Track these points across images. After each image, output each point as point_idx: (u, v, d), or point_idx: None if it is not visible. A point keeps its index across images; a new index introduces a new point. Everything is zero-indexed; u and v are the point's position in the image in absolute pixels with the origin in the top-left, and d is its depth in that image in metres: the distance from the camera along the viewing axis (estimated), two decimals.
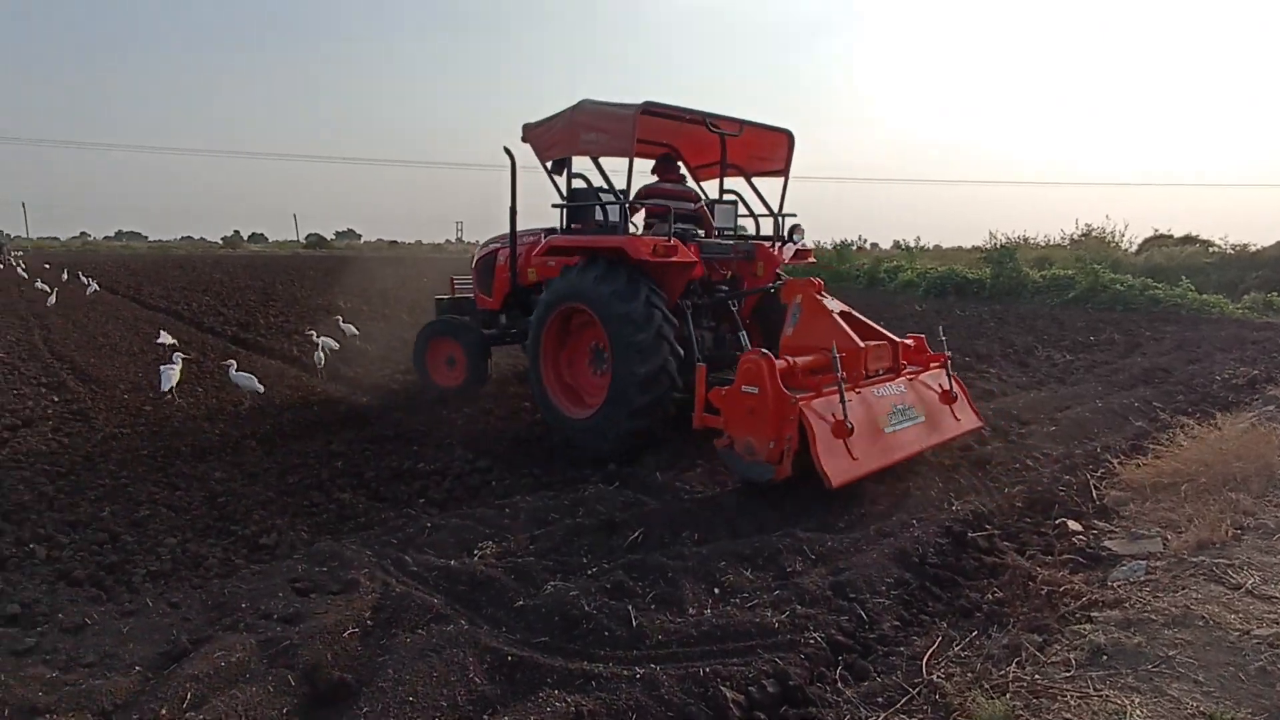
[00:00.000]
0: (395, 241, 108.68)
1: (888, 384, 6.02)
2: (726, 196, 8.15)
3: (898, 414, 5.85)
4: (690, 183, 8.33)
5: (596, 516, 5.21)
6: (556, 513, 5.29)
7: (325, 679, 3.48)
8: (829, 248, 31.38)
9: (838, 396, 5.50)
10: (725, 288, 7.81)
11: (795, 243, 7.85)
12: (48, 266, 38.44)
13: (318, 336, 10.86)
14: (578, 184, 7.76)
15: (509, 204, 8.47)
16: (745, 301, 7.80)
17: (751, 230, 8.21)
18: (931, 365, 6.51)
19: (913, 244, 34.69)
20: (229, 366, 8.89)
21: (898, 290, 22.84)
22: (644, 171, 9.93)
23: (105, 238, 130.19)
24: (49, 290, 20.27)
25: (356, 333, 12.22)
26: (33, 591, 4.40)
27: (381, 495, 5.83)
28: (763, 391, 5.50)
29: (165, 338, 11.78)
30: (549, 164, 7.75)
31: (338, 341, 11.03)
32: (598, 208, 7.54)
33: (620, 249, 6.88)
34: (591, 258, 7.22)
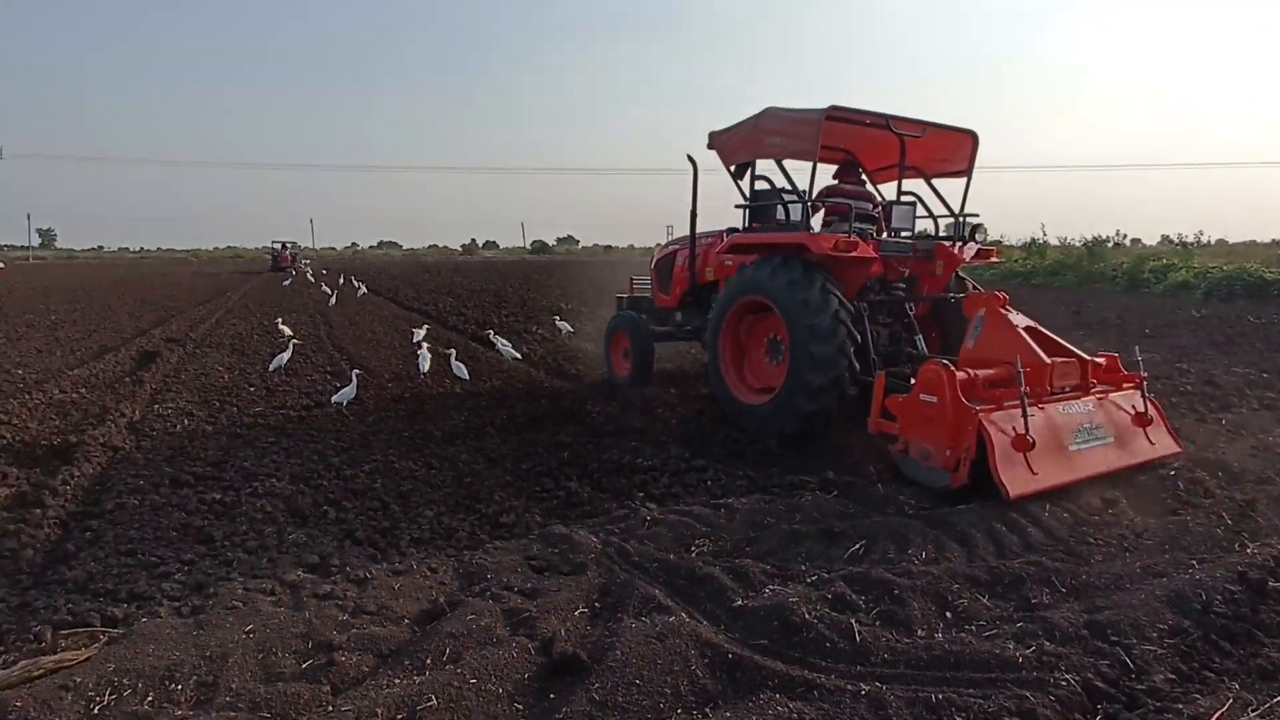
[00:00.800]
0: (609, 246, 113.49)
1: (1074, 402, 5.86)
2: (905, 198, 8.04)
3: (1084, 433, 5.71)
4: (869, 187, 8.35)
5: (815, 524, 5.13)
6: (772, 516, 5.27)
7: (560, 651, 3.68)
8: (1019, 243, 28.36)
9: (1019, 410, 5.42)
10: (902, 286, 7.78)
11: (977, 242, 7.70)
12: (325, 272, 44.27)
13: (422, 340, 11.48)
14: (760, 185, 7.96)
15: (690, 207, 8.83)
16: (921, 303, 7.72)
17: (932, 232, 8.11)
18: (1124, 386, 6.28)
19: (1190, 240, 29.62)
20: (449, 354, 9.86)
21: (1167, 293, 19.65)
22: (824, 176, 10.12)
23: (369, 246, 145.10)
24: (330, 292, 23.75)
25: (572, 330, 13.15)
26: (326, 545, 5.07)
27: (604, 486, 6.08)
28: (941, 401, 5.52)
29: (284, 328, 13.13)
30: (733, 167, 8.02)
31: (560, 332, 11.99)
32: (779, 207, 7.71)
33: (801, 244, 7.06)
34: (770, 253, 7.38)
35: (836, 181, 8.21)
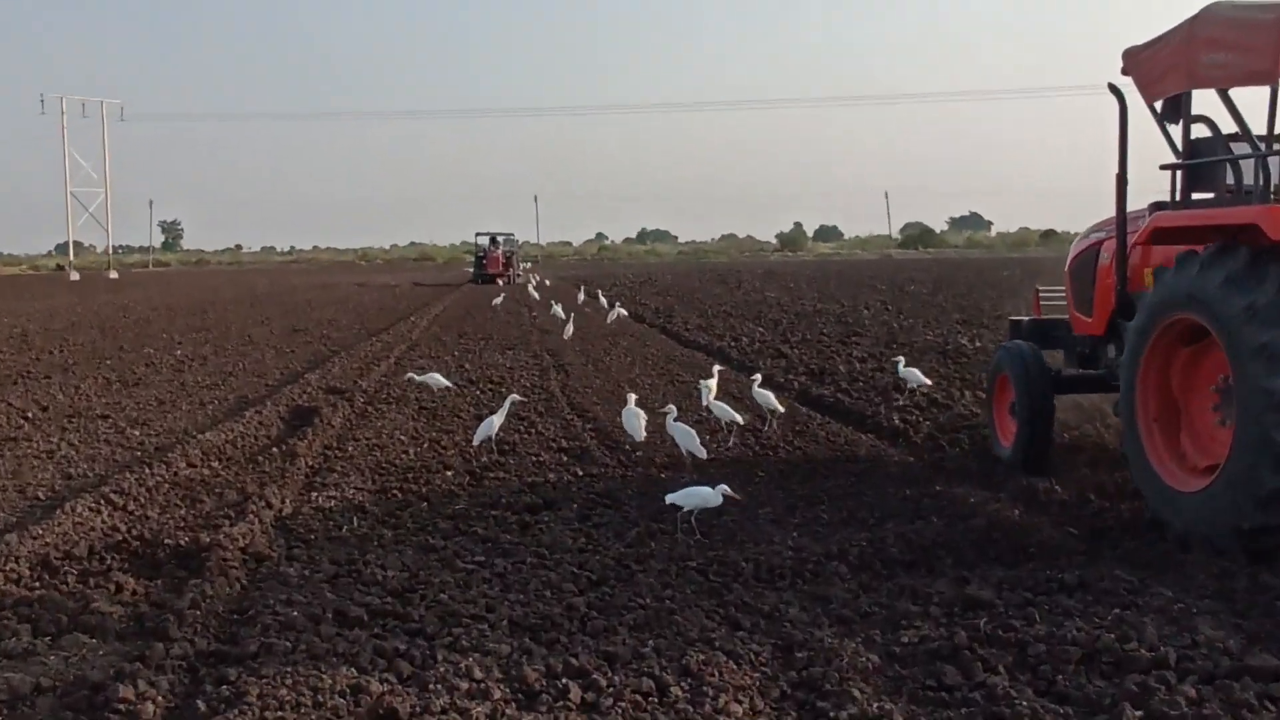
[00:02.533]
0: (1049, 231, 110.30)
1: None
2: None
3: None
4: None
5: None
6: None
7: None
8: None
9: None
10: None
11: None
12: (547, 284, 47.33)
13: (711, 395, 11.86)
14: (1199, 131, 7.80)
15: (1116, 170, 8.63)
16: None
17: None
18: None
19: None
20: (668, 414, 10.34)
21: None
22: None
23: (625, 239, 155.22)
24: (565, 318, 24.57)
25: (926, 385, 13.46)
26: None
27: (1057, 689, 5.14)
28: None
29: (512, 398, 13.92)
30: (1157, 105, 7.97)
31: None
32: (1228, 166, 7.49)
33: (1251, 224, 6.70)
34: (1222, 245, 7.00)
35: None
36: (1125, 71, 8.35)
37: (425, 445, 11.34)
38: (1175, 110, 7.89)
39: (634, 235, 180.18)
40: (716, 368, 14.06)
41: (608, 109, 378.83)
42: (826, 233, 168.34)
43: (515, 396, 11.86)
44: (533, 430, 12.06)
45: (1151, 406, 7.65)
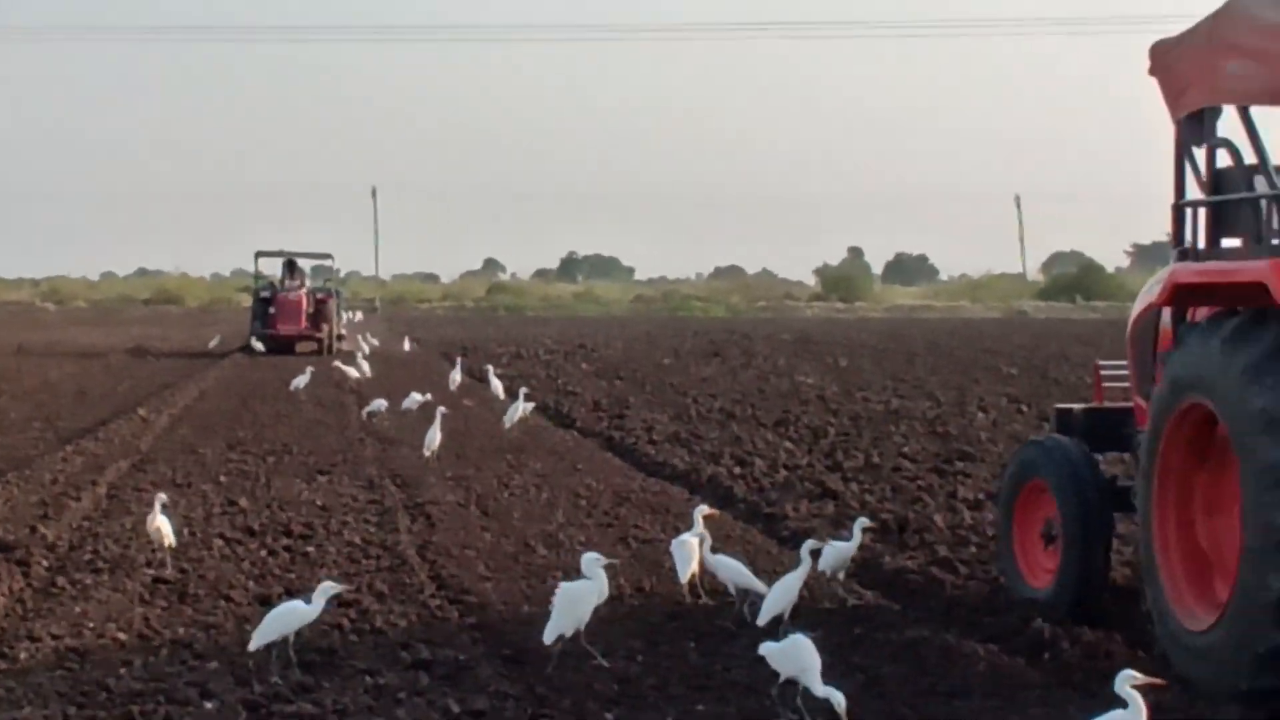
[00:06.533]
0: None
1: None
2: None
3: None
4: None
5: None
6: None
7: None
8: None
9: None
10: None
11: None
12: (408, 347, 47.79)
13: (696, 546, 13.03)
14: (1226, 160, 10.29)
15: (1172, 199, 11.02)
16: None
17: None
18: None
19: None
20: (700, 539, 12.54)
21: None
22: None
23: (539, 272, 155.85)
24: (425, 415, 24.71)
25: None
26: None
27: None
28: None
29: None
30: (1181, 118, 10.38)
31: None
32: (1255, 206, 9.74)
33: (1260, 286, 8.86)
34: (1224, 304, 9.70)
35: None
36: (1152, 73, 10.61)
37: (162, 651, 11.35)
38: (1197, 130, 10.21)
39: (555, 265, 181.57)
40: (702, 510, 14.16)
41: (503, 31, 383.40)
42: (908, 269, 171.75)
43: (331, 586, 11.74)
44: (368, 627, 12.19)
45: (1170, 512, 9.97)
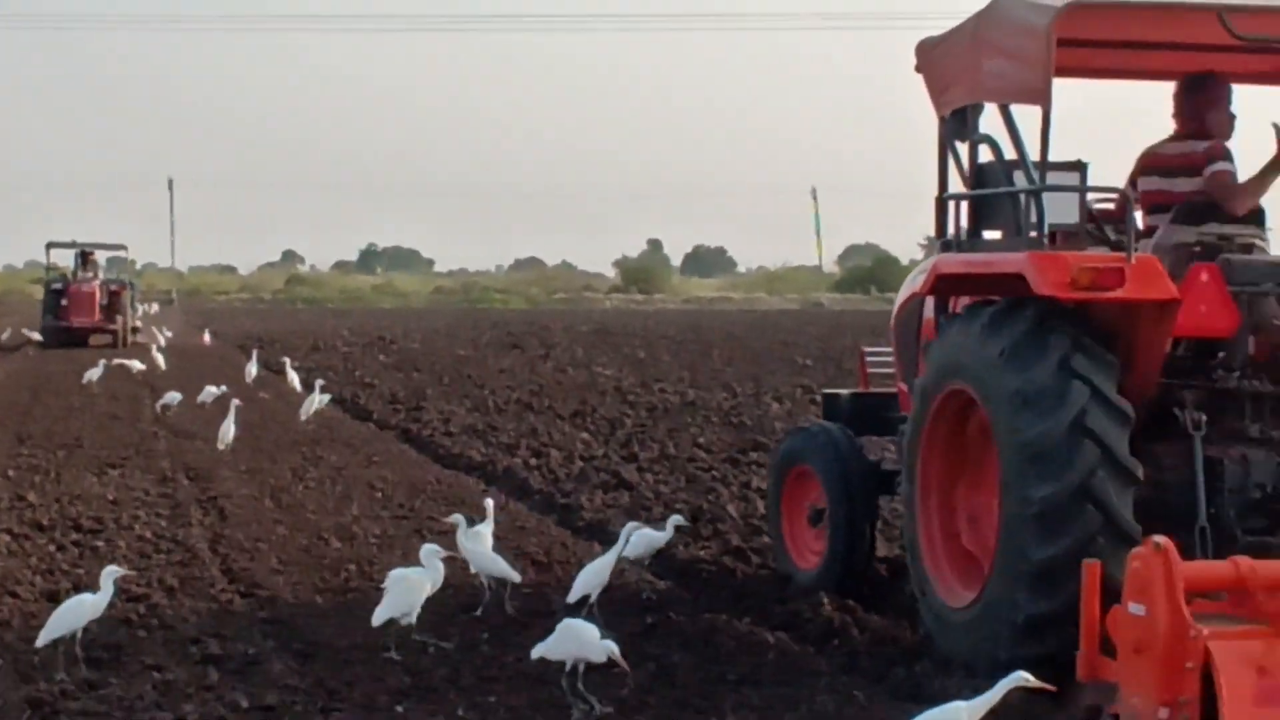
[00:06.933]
0: None
1: None
2: None
3: None
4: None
5: None
6: None
7: None
8: None
9: None
10: None
11: None
12: (205, 342, 46.06)
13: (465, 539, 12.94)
14: (989, 155, 10.82)
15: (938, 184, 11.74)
16: None
17: None
18: None
19: None
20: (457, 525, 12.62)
21: None
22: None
23: (338, 264, 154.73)
24: (223, 408, 24.36)
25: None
26: None
27: None
28: (1152, 615, 7.77)
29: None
30: (946, 114, 11.00)
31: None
32: (1009, 200, 10.42)
33: (1019, 277, 9.55)
34: (984, 293, 10.41)
35: (1181, 125, 11.03)
36: (918, 70, 11.21)
37: None
38: (961, 126, 10.79)
39: (354, 257, 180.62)
40: (490, 503, 14.26)
41: (300, 21, 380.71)
42: (707, 261, 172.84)
43: (115, 569, 11.59)
44: (157, 621, 12.05)
45: (933, 497, 10.56)
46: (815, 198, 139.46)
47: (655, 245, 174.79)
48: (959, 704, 8.41)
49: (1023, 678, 8.22)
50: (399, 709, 9.89)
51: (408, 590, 11.20)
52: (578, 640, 9.69)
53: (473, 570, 12.58)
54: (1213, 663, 7.37)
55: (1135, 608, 7.79)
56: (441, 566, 11.47)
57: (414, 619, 11.10)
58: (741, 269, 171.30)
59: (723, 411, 28.64)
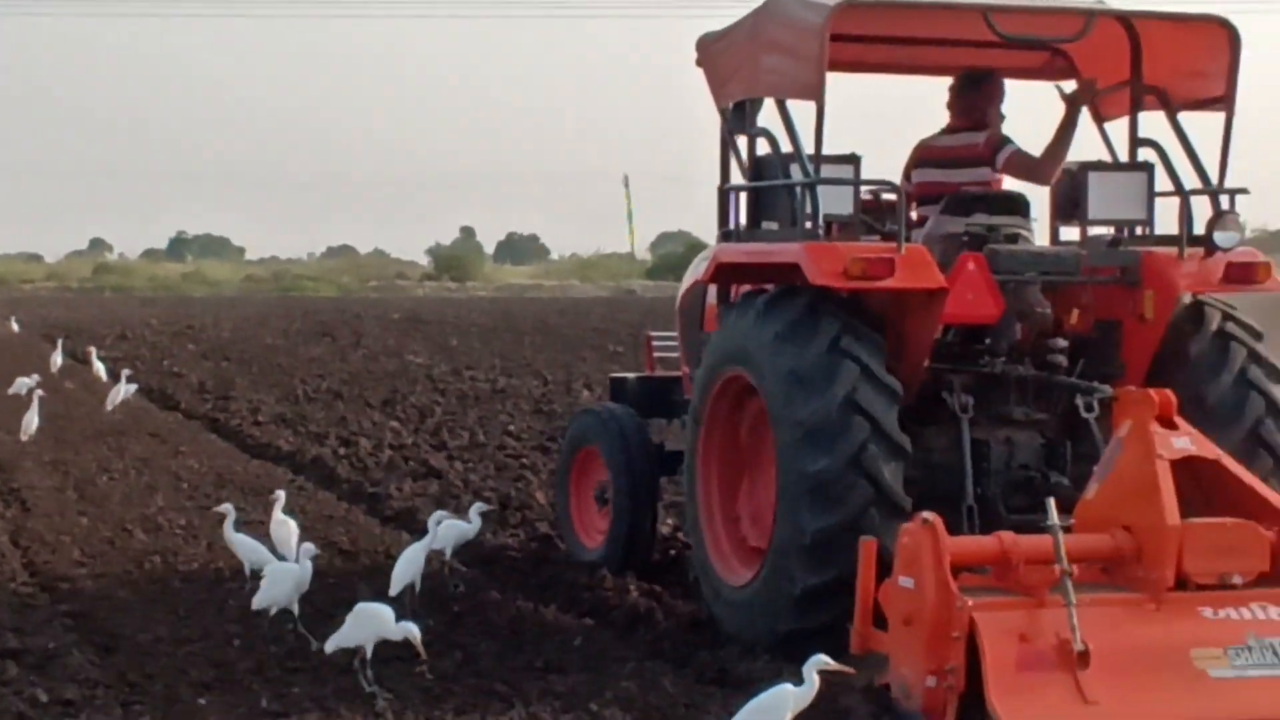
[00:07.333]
0: None
1: (1255, 604, 8.56)
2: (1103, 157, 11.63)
3: (1255, 651, 8.30)
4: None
5: None
6: None
7: None
8: None
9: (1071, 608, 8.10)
10: (1062, 344, 10.80)
11: (1223, 245, 10.40)
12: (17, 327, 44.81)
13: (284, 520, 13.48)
14: (768, 148, 11.20)
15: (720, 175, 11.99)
16: (1130, 368, 10.64)
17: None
18: None
19: None
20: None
21: None
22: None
23: (147, 252, 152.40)
24: (33, 391, 23.89)
25: None
26: None
27: None
28: (920, 587, 8.30)
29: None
30: (728, 107, 11.39)
31: None
32: (786, 193, 10.85)
33: (794, 266, 9.99)
34: (762, 282, 10.74)
35: (956, 119, 11.66)
36: (699, 64, 11.64)
37: None
38: (740, 120, 11.22)
39: (164, 245, 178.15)
40: (280, 494, 14.08)
41: (101, 4, 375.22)
42: (520, 248, 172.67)
43: None
44: None
45: (716, 476, 11.07)
46: (627, 185, 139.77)
47: (468, 233, 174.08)
48: (786, 686, 8.45)
49: (822, 661, 8.27)
50: (201, 701, 9.77)
51: (274, 583, 11.23)
52: (375, 621, 9.80)
53: (238, 556, 12.55)
54: (977, 632, 7.88)
55: (905, 581, 8.34)
56: (309, 566, 11.36)
57: (295, 608, 11.11)
58: (555, 256, 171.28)
59: (533, 399, 28.82)
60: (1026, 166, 11.36)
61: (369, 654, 9.81)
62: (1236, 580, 8.61)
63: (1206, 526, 8.63)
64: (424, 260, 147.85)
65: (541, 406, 27.45)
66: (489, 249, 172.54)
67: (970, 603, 8.03)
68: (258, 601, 11.03)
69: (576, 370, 34.97)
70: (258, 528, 13.55)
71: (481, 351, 42.94)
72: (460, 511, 13.79)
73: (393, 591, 11.56)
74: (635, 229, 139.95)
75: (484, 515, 13.23)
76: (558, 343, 46.90)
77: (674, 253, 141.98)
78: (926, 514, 8.43)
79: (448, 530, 12.45)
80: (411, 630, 9.74)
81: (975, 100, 11.52)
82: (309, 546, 11.38)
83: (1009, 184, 11.81)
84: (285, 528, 12.91)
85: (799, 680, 8.04)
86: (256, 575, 11.96)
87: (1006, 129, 11.68)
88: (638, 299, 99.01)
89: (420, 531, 13.34)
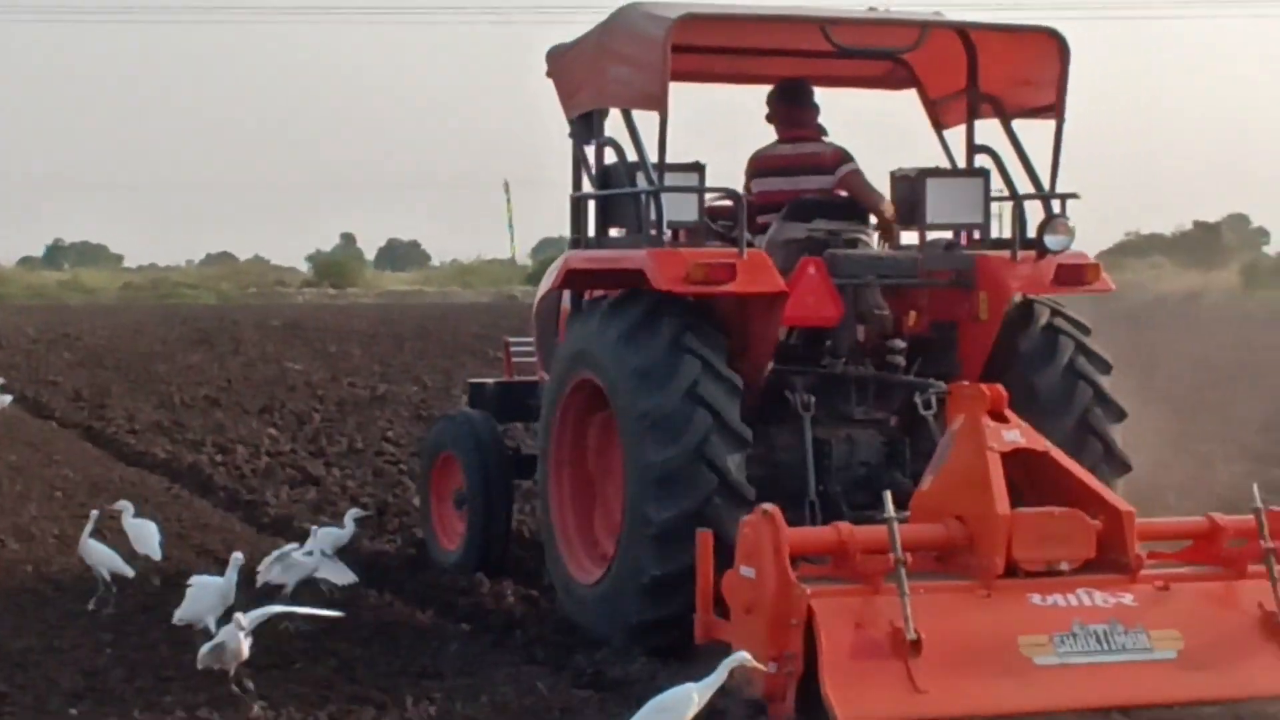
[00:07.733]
0: None
1: (1081, 590, 9.00)
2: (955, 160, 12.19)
3: (1079, 638, 8.74)
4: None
5: None
6: None
7: None
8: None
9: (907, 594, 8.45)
10: (901, 345, 11.25)
11: (1053, 248, 10.91)
12: None
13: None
14: (615, 157, 11.63)
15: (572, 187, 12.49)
16: (966, 366, 11.09)
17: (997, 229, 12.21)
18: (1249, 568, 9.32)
19: None
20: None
21: None
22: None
23: (23, 260, 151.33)
24: None
25: None
26: None
27: None
28: (760, 576, 8.64)
29: None
30: (574, 118, 11.85)
31: None
32: (632, 200, 11.17)
33: (640, 273, 10.37)
34: (606, 296, 11.19)
35: (785, 129, 12.30)
36: (549, 75, 12.11)
37: None
38: (588, 130, 11.66)
39: (40, 253, 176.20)
40: (125, 504, 13.96)
41: None
42: (401, 254, 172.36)
43: None
44: None
45: (567, 479, 11.49)
46: (508, 190, 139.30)
47: (348, 239, 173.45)
48: (690, 685, 8.50)
49: (743, 658, 8.42)
50: (73, 711, 9.73)
51: (195, 598, 11.08)
52: (212, 591, 10.39)
53: (90, 563, 12.52)
54: (814, 619, 8.24)
55: (746, 570, 8.70)
56: (235, 578, 11.18)
57: (212, 626, 10.73)
58: (435, 262, 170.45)
59: (413, 405, 28.79)
60: (860, 190, 11.93)
61: (213, 626, 10.01)
62: (1064, 567, 9.07)
63: (1035, 515, 9.06)
64: (304, 267, 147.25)
65: (421, 412, 27.33)
66: (370, 255, 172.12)
67: (809, 590, 8.37)
68: (179, 616, 10.93)
69: (456, 376, 34.19)
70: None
71: (361, 358, 42.84)
72: (336, 520, 13.81)
73: (287, 591, 11.79)
74: (516, 235, 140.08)
75: (360, 521, 13.29)
76: (438, 349, 46.93)
77: (554, 258, 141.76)
78: (767, 505, 8.73)
79: (324, 536, 12.43)
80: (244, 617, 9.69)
81: (798, 111, 12.14)
82: (238, 556, 11.23)
83: None
84: (144, 528, 13.02)
85: (675, 682, 8.17)
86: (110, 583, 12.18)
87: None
88: (519, 305, 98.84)
89: (297, 537, 13.30)
